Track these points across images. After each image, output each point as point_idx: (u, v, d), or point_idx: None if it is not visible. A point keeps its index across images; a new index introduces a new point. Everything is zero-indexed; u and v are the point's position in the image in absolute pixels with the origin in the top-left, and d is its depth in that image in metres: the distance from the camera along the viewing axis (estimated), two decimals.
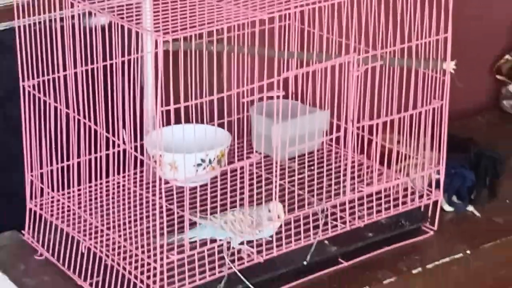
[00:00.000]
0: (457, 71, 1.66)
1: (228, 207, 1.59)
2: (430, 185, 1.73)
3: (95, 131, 1.59)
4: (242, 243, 1.57)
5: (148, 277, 1.49)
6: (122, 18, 1.47)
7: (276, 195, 1.58)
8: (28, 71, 1.60)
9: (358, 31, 1.63)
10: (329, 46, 1.74)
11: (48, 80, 1.60)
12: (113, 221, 1.61)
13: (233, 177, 1.65)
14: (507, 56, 2.18)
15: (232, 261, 1.54)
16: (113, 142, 1.60)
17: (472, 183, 1.83)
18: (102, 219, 1.62)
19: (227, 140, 1.70)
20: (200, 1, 1.54)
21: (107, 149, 1.62)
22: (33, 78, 1.60)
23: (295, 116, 1.70)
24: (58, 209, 1.66)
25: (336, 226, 1.64)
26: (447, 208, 1.79)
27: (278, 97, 1.54)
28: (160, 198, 1.50)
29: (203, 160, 1.65)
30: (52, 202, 1.67)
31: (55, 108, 1.61)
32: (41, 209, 1.67)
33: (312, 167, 1.75)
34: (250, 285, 1.54)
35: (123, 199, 1.65)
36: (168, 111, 1.45)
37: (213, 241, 1.54)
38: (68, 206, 1.65)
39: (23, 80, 1.61)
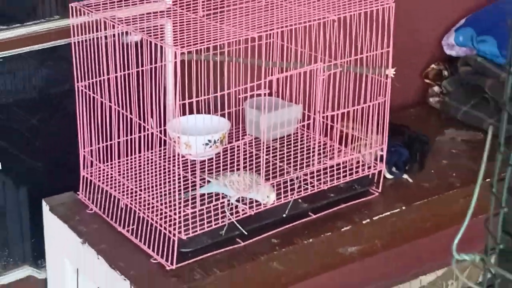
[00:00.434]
0: (395, 75, 1.65)
1: (228, 173, 1.61)
2: (376, 159, 1.72)
3: (131, 119, 1.59)
4: (238, 200, 1.57)
5: (170, 225, 1.49)
6: (150, 36, 1.48)
7: (262, 166, 1.59)
8: (81, 75, 1.60)
9: (323, 46, 1.64)
10: (301, 57, 1.74)
11: (96, 81, 1.60)
12: (144, 185, 1.61)
13: (231, 153, 1.67)
14: (432, 65, 2.17)
15: (231, 214, 1.54)
16: (144, 127, 1.60)
17: (406, 158, 1.82)
18: (136, 183, 1.62)
19: (227, 126, 1.69)
20: (207, 24, 1.54)
21: (139, 132, 1.62)
22: (85, 80, 1.60)
23: (277, 108, 1.72)
24: (103, 176, 1.66)
25: (307, 188, 1.64)
26: (388, 176, 1.79)
27: (264, 94, 1.54)
28: (178, 168, 1.50)
29: (209, 141, 1.65)
30: (99, 171, 1.67)
31: (101, 102, 1.60)
32: (91, 176, 1.67)
33: (289, 146, 1.74)
34: (244, 231, 1.55)
35: (151, 169, 1.65)
36: (184, 105, 1.46)
37: (217, 199, 1.54)
38: (111, 174, 1.65)
39: (78, 82, 1.61)
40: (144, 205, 1.56)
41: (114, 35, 1.56)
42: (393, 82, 1.66)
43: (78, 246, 1.59)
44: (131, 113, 1.59)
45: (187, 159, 1.63)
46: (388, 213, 1.69)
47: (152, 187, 1.60)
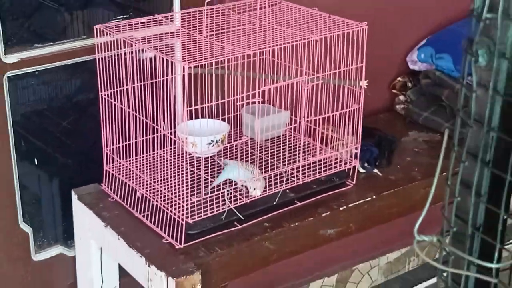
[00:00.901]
0: (368, 86, 1.65)
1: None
2: (351, 156, 1.72)
3: (146, 123, 1.59)
4: (237, 190, 1.55)
5: (179, 211, 1.49)
6: (162, 53, 1.48)
7: (257, 162, 1.59)
8: (104, 85, 1.59)
9: (307, 62, 1.63)
10: (289, 71, 1.73)
11: (117, 91, 1.59)
12: (157, 177, 1.61)
13: (231, 151, 1.67)
14: (399, 78, 2.17)
15: (230, 202, 1.54)
16: (157, 129, 1.59)
17: (376, 155, 1.82)
18: (150, 176, 1.61)
19: (227, 128, 1.70)
20: (210, 43, 1.54)
21: (153, 133, 1.61)
22: (107, 90, 1.59)
23: (269, 114, 1.72)
24: (123, 170, 1.66)
25: (293, 181, 1.64)
26: (361, 170, 1.78)
27: (258, 102, 1.53)
28: (186, 163, 1.50)
29: (212, 141, 1.65)
30: (119, 166, 1.66)
31: (121, 108, 1.60)
32: (112, 170, 1.66)
33: (279, 145, 1.75)
34: (240, 216, 1.55)
35: (163, 164, 1.65)
36: (191, 111, 1.46)
37: (218, 189, 1.54)
38: (129, 169, 1.65)
39: (101, 91, 1.60)
40: (157, 195, 1.56)
41: (132, 52, 1.55)
42: (366, 92, 1.66)
43: (101, 229, 1.59)
44: (146, 117, 1.58)
45: (193, 156, 1.63)
46: (361, 201, 1.69)
47: (164, 179, 1.60)
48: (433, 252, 2.46)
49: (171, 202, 1.52)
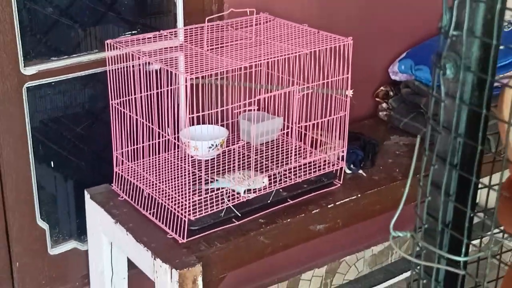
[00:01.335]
0: (353, 95, 1.65)
1: (226, 170, 1.60)
2: (338, 158, 1.72)
3: (152, 128, 1.59)
4: (244, 191, 1.55)
5: (182, 209, 1.50)
6: (167, 65, 1.48)
7: (252, 164, 1.60)
8: (115, 95, 1.59)
9: (298, 73, 1.64)
10: (282, 81, 1.74)
11: (126, 100, 1.60)
12: (162, 178, 1.61)
13: (229, 154, 1.68)
14: (381, 87, 2.17)
15: (228, 200, 1.54)
16: (162, 134, 1.60)
17: (361, 157, 1.82)
18: (156, 177, 1.61)
19: (226, 133, 1.70)
20: (211, 56, 1.55)
21: (159, 138, 1.62)
22: (117, 99, 1.59)
23: (264, 120, 1.73)
24: (131, 172, 1.66)
25: (286, 181, 1.64)
26: (348, 171, 1.78)
27: (254, 109, 1.54)
28: (189, 165, 1.51)
29: (212, 145, 1.65)
30: (128, 168, 1.66)
31: (130, 116, 1.60)
32: (122, 172, 1.67)
33: (273, 149, 1.75)
34: (238, 213, 1.55)
35: (168, 166, 1.65)
36: (193, 117, 1.47)
37: (218, 188, 1.54)
38: (137, 170, 1.65)
39: (112, 100, 1.60)
40: (162, 194, 1.56)
41: (139, 65, 1.56)
42: (352, 100, 1.66)
43: (112, 225, 1.59)
44: (152, 124, 1.58)
45: (195, 159, 1.64)
46: (347, 199, 1.68)
47: (168, 180, 1.60)
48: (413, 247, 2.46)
49: (175, 200, 1.53)
